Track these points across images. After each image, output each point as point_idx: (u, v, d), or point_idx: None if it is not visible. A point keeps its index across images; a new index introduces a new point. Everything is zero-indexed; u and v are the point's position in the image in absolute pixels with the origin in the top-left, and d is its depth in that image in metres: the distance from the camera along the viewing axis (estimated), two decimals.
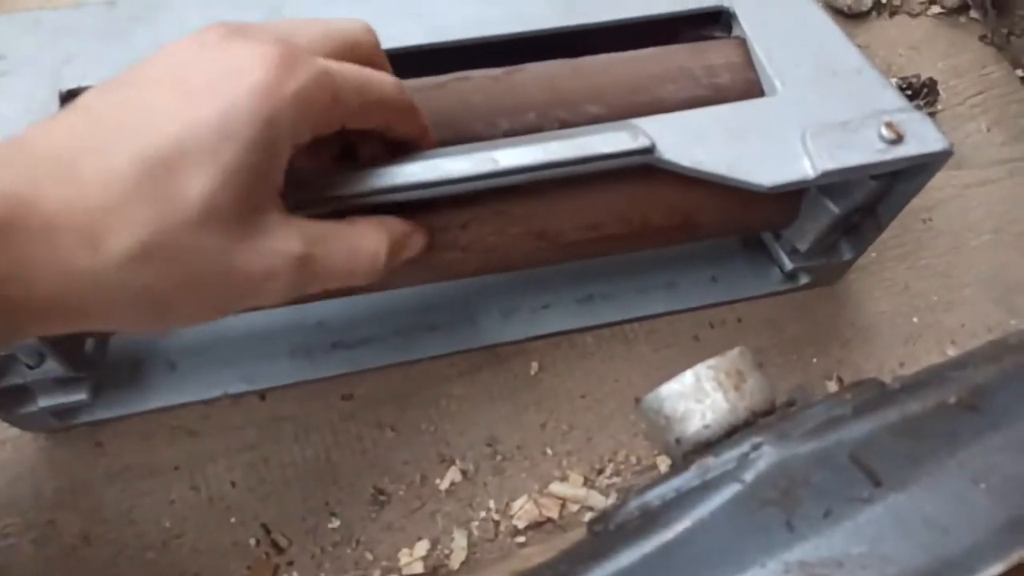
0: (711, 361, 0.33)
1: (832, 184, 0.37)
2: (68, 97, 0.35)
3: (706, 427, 0.32)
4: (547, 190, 0.36)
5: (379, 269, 0.30)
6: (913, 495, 0.27)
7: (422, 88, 0.38)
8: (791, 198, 0.38)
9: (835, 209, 0.37)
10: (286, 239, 0.26)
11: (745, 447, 0.31)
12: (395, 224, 0.31)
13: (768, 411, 0.33)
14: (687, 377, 0.33)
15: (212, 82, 0.25)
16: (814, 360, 0.44)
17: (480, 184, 0.33)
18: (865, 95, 0.37)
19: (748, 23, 0.40)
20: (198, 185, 0.23)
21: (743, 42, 0.40)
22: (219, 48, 0.26)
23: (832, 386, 0.44)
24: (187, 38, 0.26)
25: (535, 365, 0.43)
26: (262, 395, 0.41)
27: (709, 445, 0.32)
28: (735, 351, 0.33)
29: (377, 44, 0.31)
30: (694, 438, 0.32)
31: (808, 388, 0.43)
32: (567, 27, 0.40)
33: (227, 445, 0.40)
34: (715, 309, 0.45)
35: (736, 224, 0.39)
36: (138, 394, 0.40)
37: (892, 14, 0.50)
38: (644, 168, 0.35)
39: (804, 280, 0.44)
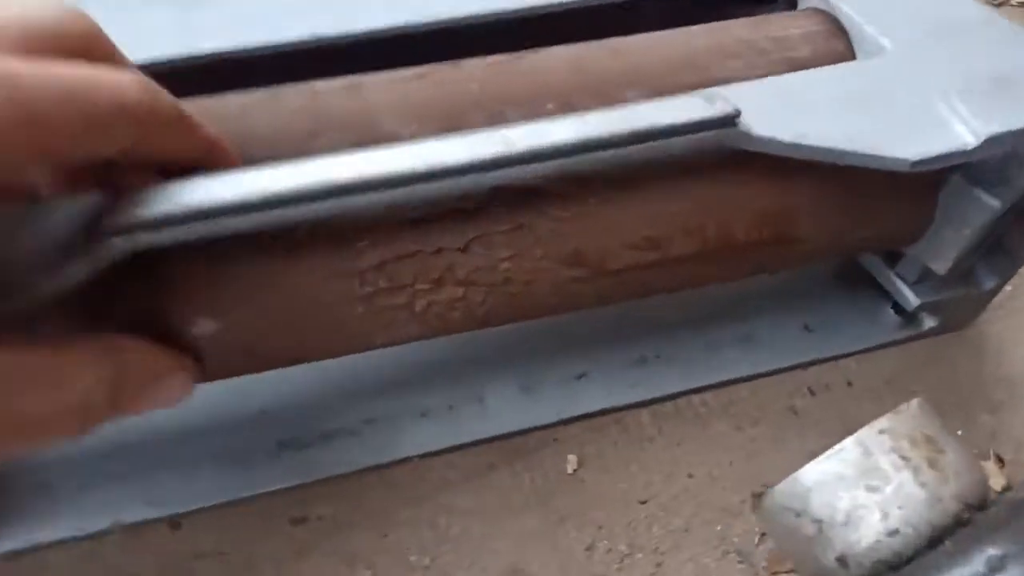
0: (882, 422, 0.21)
1: (984, 168, 0.26)
2: None
3: (892, 533, 0.19)
4: (584, 192, 0.25)
5: (88, 422, 0.19)
6: None
7: (395, 82, 0.28)
8: (925, 193, 0.27)
9: (994, 203, 0.26)
10: None
11: (978, 566, 0.19)
12: (133, 352, 0.21)
13: (982, 501, 0.21)
14: (849, 450, 0.20)
15: None
16: (959, 432, 0.32)
17: (486, 179, 0.22)
18: (1004, 47, 0.27)
19: None
20: None
21: (818, 11, 0.31)
22: None
23: (991, 467, 0.31)
24: None
25: (572, 459, 0.31)
26: (175, 523, 0.28)
27: (900, 566, 0.19)
28: (914, 404, 0.21)
29: (95, 31, 0.20)
30: (873, 554, 0.19)
31: None
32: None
33: None
34: (813, 369, 0.33)
35: (850, 235, 0.28)
36: None
37: None
38: (722, 155, 0.25)
39: (930, 324, 0.33)
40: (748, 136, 0.24)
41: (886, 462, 0.19)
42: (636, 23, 0.31)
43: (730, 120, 0.23)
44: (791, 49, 0.29)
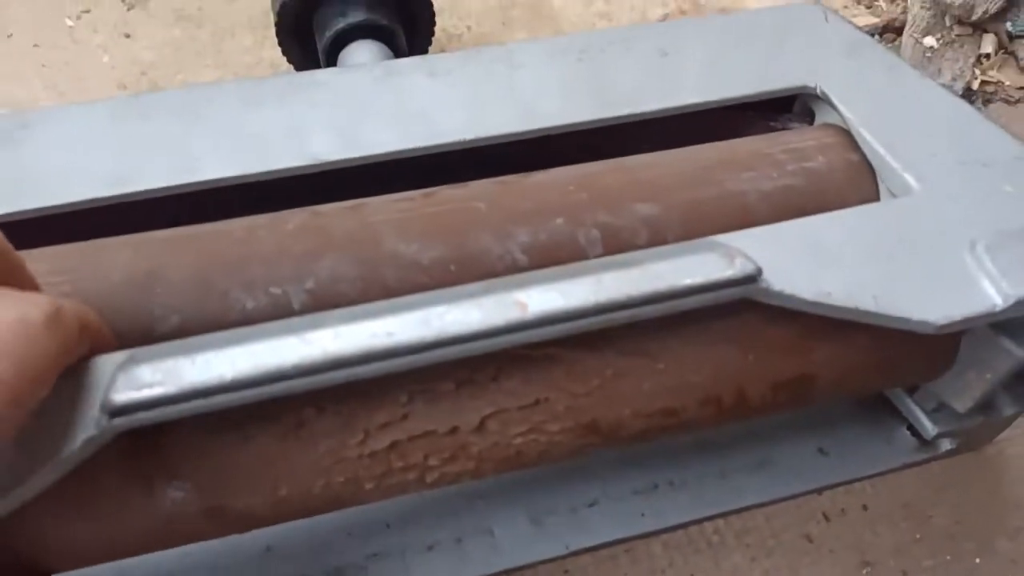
0: None
1: (1013, 319, 0.25)
2: None
3: None
4: (600, 364, 0.24)
5: None
6: None
7: (399, 201, 0.27)
8: (947, 341, 0.27)
9: (1020, 352, 0.26)
10: None
11: None
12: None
13: None
14: None
15: None
16: (977, 560, 0.31)
17: (496, 343, 0.22)
18: None
19: (847, 105, 0.30)
20: None
21: (836, 127, 0.30)
22: None
23: None
24: None
25: None
26: None
27: None
28: None
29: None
30: None
31: None
32: (599, 122, 0.30)
33: None
34: (828, 493, 0.32)
35: (869, 383, 0.27)
36: None
37: (987, 103, 0.41)
38: (738, 313, 0.24)
39: (947, 447, 0.32)
40: (768, 292, 0.23)
41: None
42: (643, 144, 0.31)
43: (751, 279, 0.23)
44: (806, 159, 0.29)
